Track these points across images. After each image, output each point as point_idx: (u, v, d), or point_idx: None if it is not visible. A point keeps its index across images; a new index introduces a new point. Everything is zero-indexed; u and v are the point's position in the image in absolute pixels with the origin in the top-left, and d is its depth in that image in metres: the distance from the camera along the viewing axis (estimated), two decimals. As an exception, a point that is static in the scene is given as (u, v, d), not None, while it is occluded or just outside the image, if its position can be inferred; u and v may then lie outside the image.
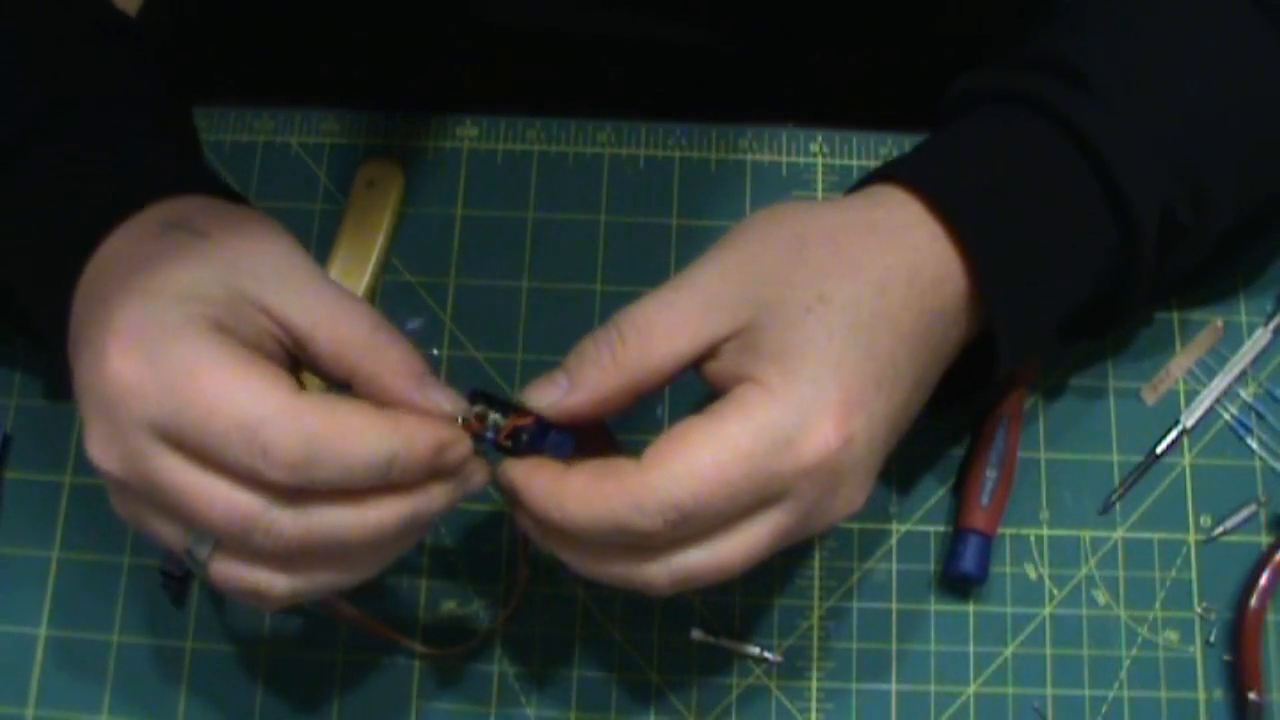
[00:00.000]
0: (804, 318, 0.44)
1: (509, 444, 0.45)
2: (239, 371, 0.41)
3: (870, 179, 0.50)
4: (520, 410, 0.45)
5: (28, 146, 0.49)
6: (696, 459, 0.42)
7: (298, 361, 0.46)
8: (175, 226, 0.45)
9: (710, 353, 0.45)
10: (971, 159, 0.50)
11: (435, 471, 0.43)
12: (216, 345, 0.41)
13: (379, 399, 0.44)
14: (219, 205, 0.48)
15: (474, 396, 0.46)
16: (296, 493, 0.41)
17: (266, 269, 0.44)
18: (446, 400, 0.45)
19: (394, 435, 0.41)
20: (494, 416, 0.45)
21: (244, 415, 0.40)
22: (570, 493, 0.43)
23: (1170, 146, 0.49)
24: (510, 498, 0.45)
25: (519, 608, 0.56)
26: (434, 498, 0.44)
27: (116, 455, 0.42)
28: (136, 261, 0.44)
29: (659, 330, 0.44)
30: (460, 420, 0.45)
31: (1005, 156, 0.49)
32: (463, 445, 0.44)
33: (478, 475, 0.45)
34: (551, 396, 0.45)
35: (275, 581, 0.43)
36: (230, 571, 0.43)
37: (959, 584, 0.56)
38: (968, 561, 0.55)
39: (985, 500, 0.56)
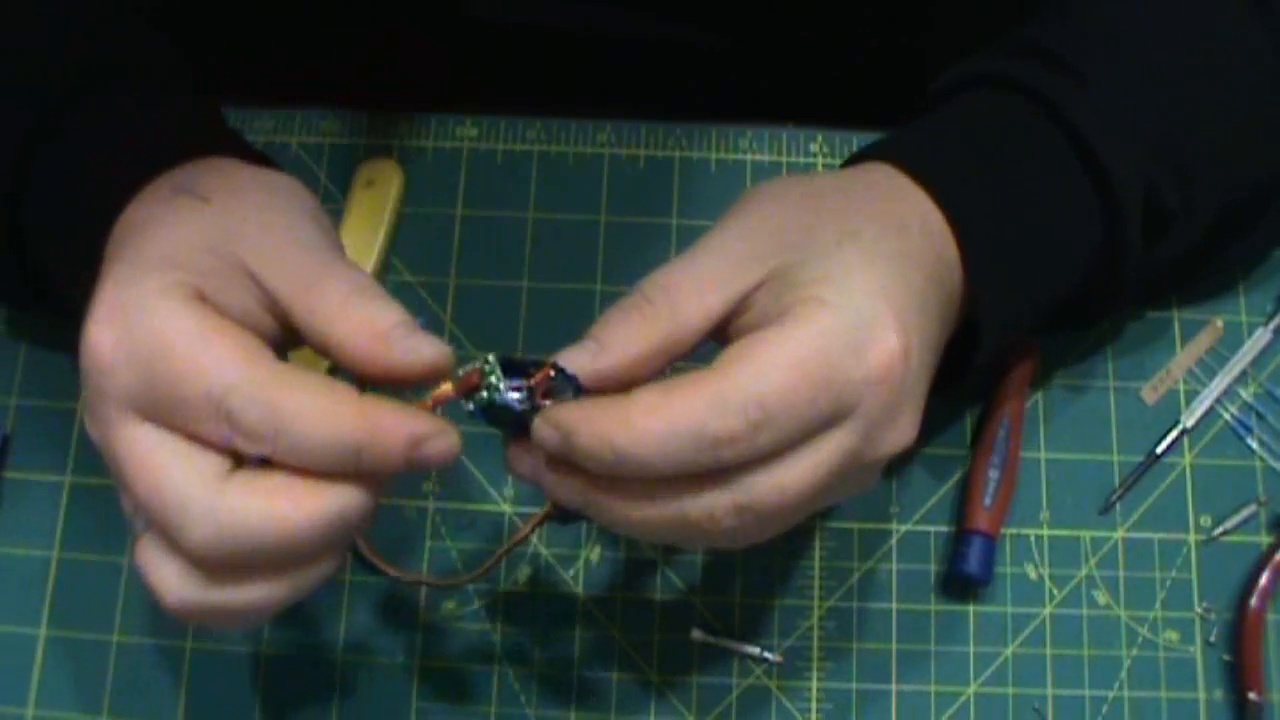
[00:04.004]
0: (838, 249, 0.43)
1: (528, 405, 0.42)
2: (209, 340, 0.40)
3: (853, 159, 0.50)
4: (548, 367, 0.42)
5: (59, 123, 0.49)
6: (776, 356, 0.40)
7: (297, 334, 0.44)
8: (181, 191, 0.45)
9: (739, 309, 0.43)
10: (951, 135, 0.50)
11: (414, 466, 0.41)
12: (189, 314, 0.40)
13: (354, 371, 0.42)
14: (232, 167, 0.47)
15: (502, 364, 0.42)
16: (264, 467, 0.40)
17: (257, 235, 0.43)
18: (422, 348, 0.41)
19: (358, 425, 0.39)
20: (493, 380, 0.42)
21: (210, 384, 0.39)
22: (639, 407, 0.40)
23: (1152, 127, 0.49)
24: (554, 446, 0.41)
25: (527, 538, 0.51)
26: (350, 501, 0.40)
27: (94, 424, 0.42)
28: (137, 228, 0.44)
29: (686, 288, 0.43)
30: (452, 380, 0.42)
31: (984, 132, 0.50)
32: (446, 440, 0.41)
33: (441, 441, 0.41)
34: (580, 360, 0.42)
35: (185, 584, 0.40)
36: (146, 556, 0.41)
37: (961, 585, 0.56)
38: (972, 562, 0.55)
39: (988, 501, 0.56)
